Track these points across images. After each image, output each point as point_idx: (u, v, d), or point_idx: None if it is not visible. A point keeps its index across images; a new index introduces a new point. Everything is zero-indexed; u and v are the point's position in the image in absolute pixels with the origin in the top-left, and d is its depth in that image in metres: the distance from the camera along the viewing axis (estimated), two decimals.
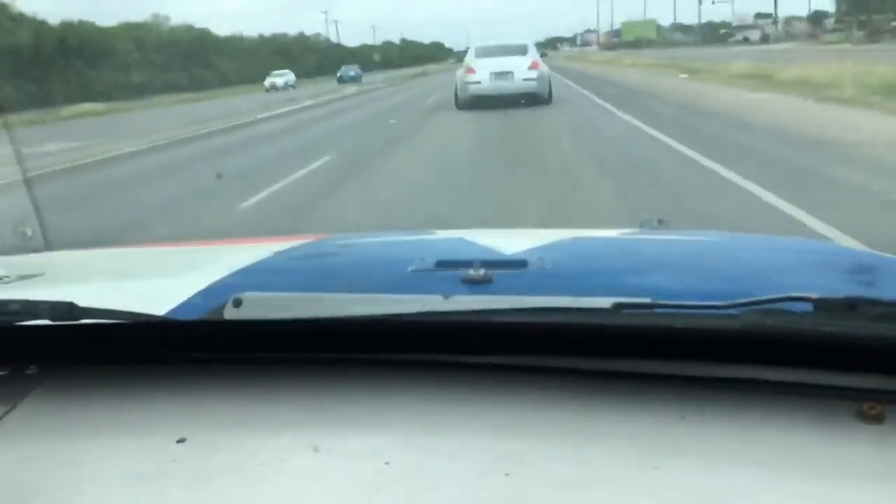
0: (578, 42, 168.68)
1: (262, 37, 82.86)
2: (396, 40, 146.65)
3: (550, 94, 16.47)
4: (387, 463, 0.63)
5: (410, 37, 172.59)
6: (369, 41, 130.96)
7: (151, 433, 0.69)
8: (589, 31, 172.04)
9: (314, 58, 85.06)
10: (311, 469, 0.63)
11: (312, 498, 0.60)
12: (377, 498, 0.59)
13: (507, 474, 0.61)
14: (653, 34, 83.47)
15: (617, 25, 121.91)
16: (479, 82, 16.10)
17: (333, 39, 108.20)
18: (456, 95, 16.97)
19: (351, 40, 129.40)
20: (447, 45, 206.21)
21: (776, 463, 0.62)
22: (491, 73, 15.94)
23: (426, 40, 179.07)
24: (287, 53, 75.98)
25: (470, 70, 16.38)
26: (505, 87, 15.87)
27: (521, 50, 17.02)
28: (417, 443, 0.66)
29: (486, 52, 17.02)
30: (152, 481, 0.63)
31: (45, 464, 0.66)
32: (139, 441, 0.68)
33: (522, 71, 16.00)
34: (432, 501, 0.60)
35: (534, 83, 15.97)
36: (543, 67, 16.53)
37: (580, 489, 0.60)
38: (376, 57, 66.25)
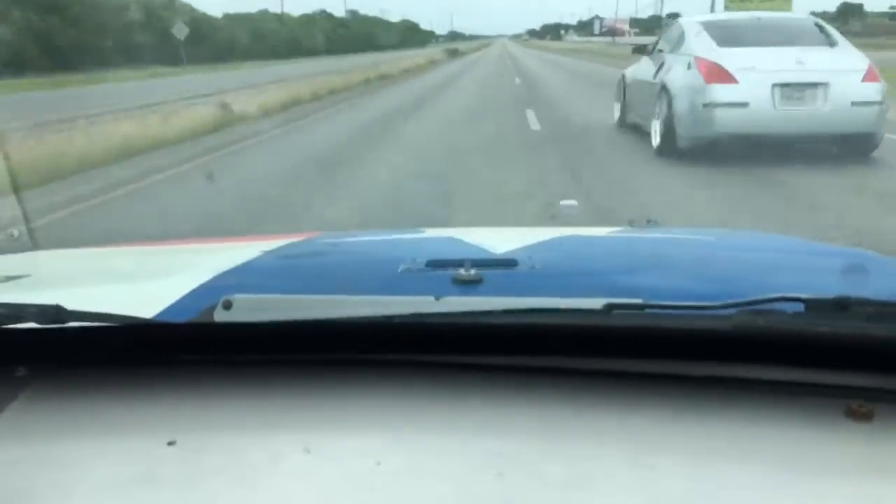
0: (597, 29, 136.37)
1: None
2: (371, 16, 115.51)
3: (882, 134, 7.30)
4: (378, 463, 0.63)
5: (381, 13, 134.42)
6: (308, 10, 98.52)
7: (142, 435, 0.69)
8: (597, 17, 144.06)
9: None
10: (302, 470, 0.63)
11: (304, 499, 0.60)
12: (369, 498, 0.59)
13: (499, 473, 0.61)
14: (788, 7, 45.40)
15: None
16: (745, 104, 6.97)
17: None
18: (671, 129, 7.38)
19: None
20: (423, 26, 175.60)
21: (767, 461, 0.62)
22: (775, 87, 6.97)
23: (402, 18, 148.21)
24: None
25: (717, 73, 7.11)
26: (804, 117, 6.95)
27: (816, 35, 7.79)
28: (409, 443, 0.66)
29: (740, 36, 7.65)
30: (142, 483, 0.62)
31: (35, 466, 0.65)
32: (129, 443, 0.68)
33: (849, 84, 7.01)
34: (424, 501, 0.60)
35: (870, 112, 6.98)
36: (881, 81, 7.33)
37: (572, 488, 0.60)
38: (177, 32, 32.98)
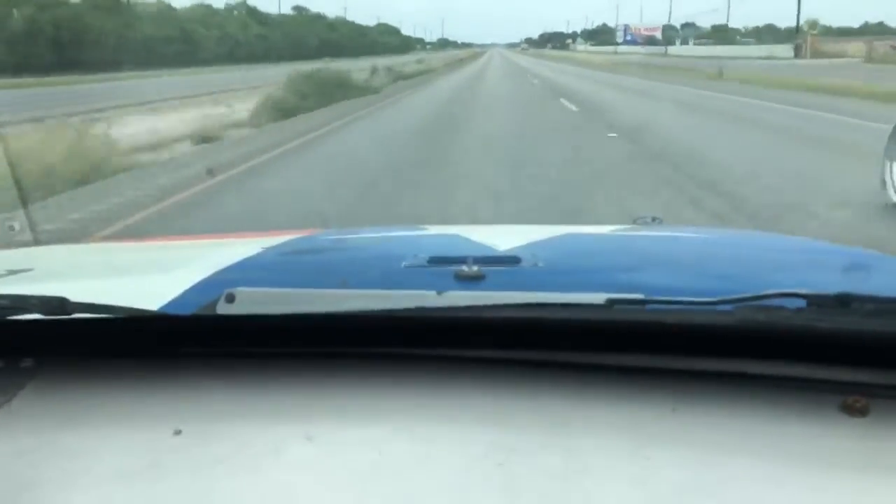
0: (621, 37, 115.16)
1: None
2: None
3: None
4: (380, 453, 0.64)
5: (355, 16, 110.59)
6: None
7: (147, 425, 0.69)
8: (605, 24, 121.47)
9: None
10: (305, 459, 0.64)
11: (307, 487, 0.61)
12: (371, 487, 0.60)
13: (499, 464, 0.62)
14: None
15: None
16: None
17: None
18: None
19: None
20: (413, 32, 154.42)
21: (764, 454, 0.63)
22: None
23: (390, 23, 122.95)
24: None
25: None
26: None
27: None
28: (410, 433, 0.67)
29: None
30: (148, 472, 0.63)
31: (42, 456, 0.66)
32: (135, 433, 0.69)
33: None
34: (426, 490, 0.60)
35: None
36: None
37: (571, 478, 0.61)
38: None
